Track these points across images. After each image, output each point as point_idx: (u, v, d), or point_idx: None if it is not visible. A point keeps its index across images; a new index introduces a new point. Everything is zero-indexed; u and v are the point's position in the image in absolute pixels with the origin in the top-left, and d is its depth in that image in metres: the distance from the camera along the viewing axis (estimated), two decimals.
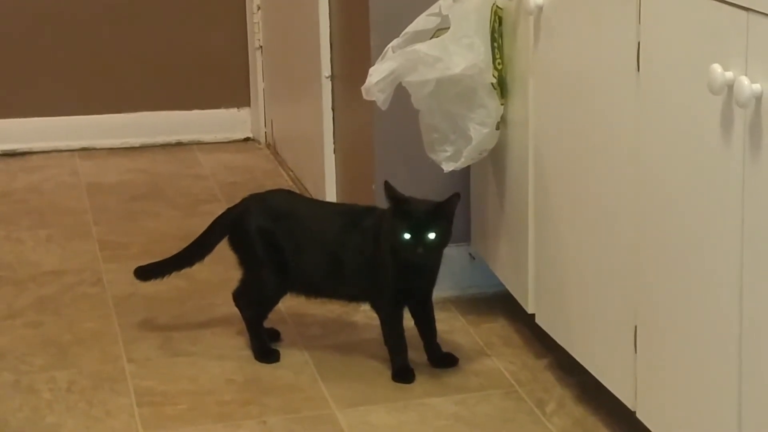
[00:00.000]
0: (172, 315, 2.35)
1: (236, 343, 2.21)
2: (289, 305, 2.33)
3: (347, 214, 2.13)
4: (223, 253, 2.67)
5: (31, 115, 3.37)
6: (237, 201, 2.25)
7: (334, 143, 2.72)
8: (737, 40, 1.42)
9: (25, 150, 3.36)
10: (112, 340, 2.24)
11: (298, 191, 2.94)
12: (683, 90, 1.55)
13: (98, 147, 3.41)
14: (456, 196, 2.02)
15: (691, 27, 1.53)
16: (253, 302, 2.15)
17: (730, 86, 1.42)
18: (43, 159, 3.31)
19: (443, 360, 2.10)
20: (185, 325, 2.30)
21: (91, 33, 3.39)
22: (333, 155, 2.72)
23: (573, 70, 1.89)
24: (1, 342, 2.23)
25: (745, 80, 1.38)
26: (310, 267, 2.10)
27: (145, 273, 2.22)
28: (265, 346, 2.14)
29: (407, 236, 1.97)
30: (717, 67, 1.42)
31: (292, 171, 3.16)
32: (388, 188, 2.03)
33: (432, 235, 1.97)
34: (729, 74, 1.42)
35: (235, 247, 2.17)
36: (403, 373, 2.05)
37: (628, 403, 1.78)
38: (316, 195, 2.82)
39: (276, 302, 2.16)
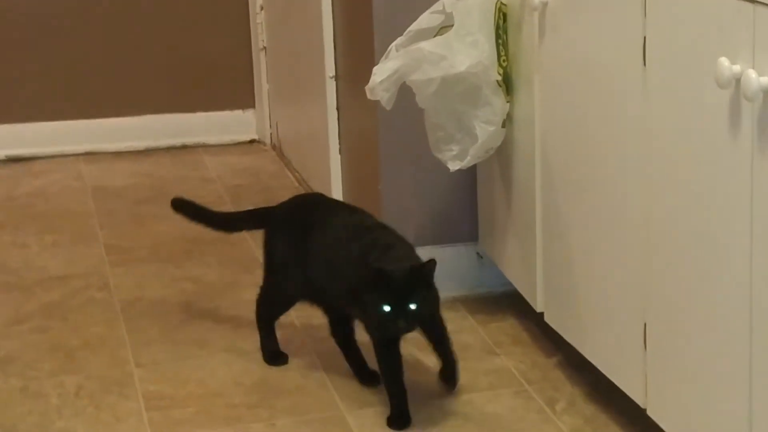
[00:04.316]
0: (180, 318, 2.34)
1: (244, 346, 2.20)
2: (298, 307, 2.32)
3: (355, 232, 1.96)
4: (230, 255, 2.67)
5: (35, 120, 3.37)
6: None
7: (339, 143, 2.71)
8: (744, 33, 1.40)
9: (30, 155, 3.36)
10: (120, 344, 2.23)
11: (302, 192, 2.93)
12: (690, 84, 1.54)
13: (103, 151, 3.41)
14: (431, 263, 1.83)
15: (698, 20, 1.52)
16: (268, 302, 2.12)
17: (737, 80, 1.40)
18: (48, 164, 3.31)
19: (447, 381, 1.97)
20: (193, 329, 2.29)
21: (94, 37, 3.39)
22: (338, 156, 2.71)
23: (579, 66, 1.87)
24: (8, 347, 2.22)
25: (752, 73, 1.37)
26: (319, 279, 2.01)
27: (182, 206, 2.21)
28: (274, 349, 2.13)
29: (387, 308, 1.79)
30: (724, 61, 1.41)
31: (298, 172, 3.15)
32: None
33: (413, 306, 1.79)
34: (736, 68, 1.40)
35: (264, 244, 2.12)
36: (397, 420, 1.88)
37: (639, 401, 1.77)
38: None
39: (289, 307, 2.13)
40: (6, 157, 3.36)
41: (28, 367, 2.14)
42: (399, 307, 1.79)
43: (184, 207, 2.21)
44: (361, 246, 1.91)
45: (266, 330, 2.13)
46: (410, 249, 1.95)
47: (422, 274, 1.83)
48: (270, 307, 2.13)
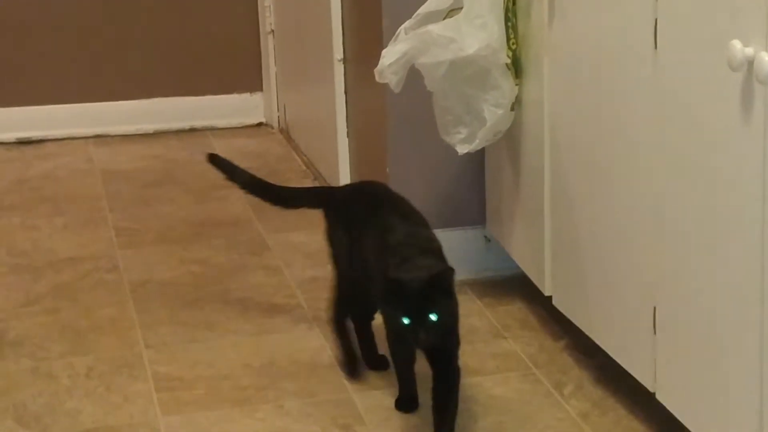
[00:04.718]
0: (188, 300, 2.34)
1: (252, 328, 2.21)
2: (307, 288, 2.33)
3: (391, 235, 1.86)
4: (237, 238, 2.67)
5: (45, 103, 3.38)
6: None
7: (347, 127, 2.71)
8: (757, 15, 1.40)
9: (40, 137, 3.37)
10: (129, 325, 2.24)
11: (313, 178, 2.93)
12: (702, 67, 1.54)
13: (112, 134, 3.41)
14: (450, 270, 1.75)
15: (710, 2, 1.51)
16: (334, 296, 2.02)
17: (750, 62, 1.40)
18: (58, 146, 3.32)
19: None
20: (201, 311, 2.30)
21: (103, 21, 3.39)
22: (346, 139, 2.71)
23: (589, 49, 1.87)
24: (19, 329, 2.23)
25: (765, 56, 1.37)
26: (362, 273, 1.93)
27: (238, 176, 2.08)
28: (346, 353, 1.99)
29: (405, 320, 1.70)
30: (736, 43, 1.41)
31: (305, 155, 3.15)
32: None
33: (434, 317, 1.70)
34: (749, 50, 1.40)
35: (325, 232, 2.03)
36: (405, 403, 1.88)
37: (648, 385, 1.77)
38: (329, 179, 2.81)
39: (348, 302, 2.00)
40: (16, 139, 3.36)
41: (39, 348, 2.15)
42: (418, 318, 1.70)
43: (239, 176, 2.10)
44: (387, 252, 1.82)
45: (336, 330, 2.01)
46: (438, 258, 1.83)
47: (440, 283, 1.72)
48: (337, 303, 2.01)
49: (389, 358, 1.95)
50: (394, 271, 1.76)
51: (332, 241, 2.01)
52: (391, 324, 1.77)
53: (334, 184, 2.74)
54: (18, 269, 2.52)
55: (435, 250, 1.86)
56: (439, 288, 1.72)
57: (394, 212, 1.93)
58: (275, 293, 2.36)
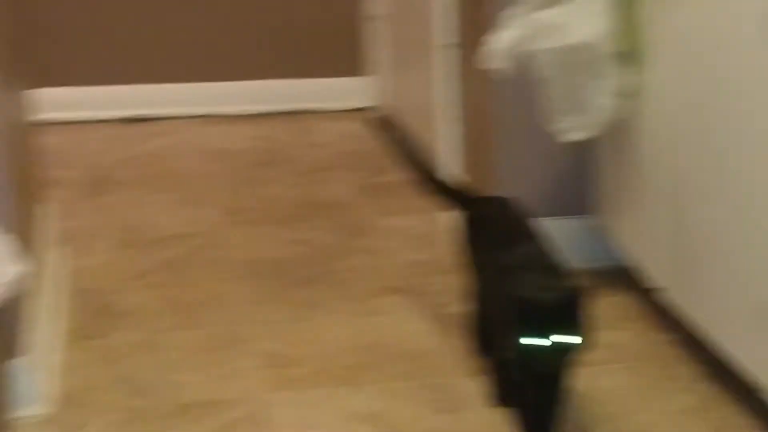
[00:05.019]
0: (294, 279, 2.38)
1: (357, 309, 2.23)
2: (412, 272, 2.34)
3: (514, 255, 1.78)
4: (341, 219, 2.70)
5: (157, 82, 3.45)
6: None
7: (451, 112, 2.70)
8: None
9: (151, 116, 3.45)
10: (238, 302, 2.28)
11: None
12: None
13: (221, 114, 3.47)
14: (583, 290, 1.63)
15: None
16: (472, 310, 1.95)
17: None
18: (168, 125, 3.39)
19: None
20: (307, 290, 2.32)
21: (214, 2, 3.45)
22: (449, 125, 2.71)
23: (704, 37, 1.83)
24: (130, 302, 2.29)
25: None
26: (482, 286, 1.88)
27: (400, 140, 2.07)
28: (497, 389, 1.85)
29: (532, 342, 1.61)
30: None
31: (409, 140, 3.16)
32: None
33: (567, 339, 1.61)
34: None
35: (463, 241, 1.98)
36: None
37: (760, 382, 1.73)
38: (432, 164, 2.81)
39: (477, 320, 1.94)
40: (128, 117, 3.45)
41: (148, 322, 2.20)
42: (548, 339, 1.61)
43: (401, 141, 2.08)
44: (517, 272, 1.72)
45: (468, 331, 1.96)
46: (567, 279, 1.73)
47: (573, 304, 1.62)
48: (474, 318, 1.94)
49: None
50: (527, 290, 1.66)
51: (468, 256, 1.94)
52: (514, 344, 1.64)
53: (439, 171, 2.74)
54: (129, 244, 2.58)
55: (563, 272, 1.77)
56: (574, 309, 1.63)
57: (522, 231, 1.86)
58: (380, 275, 2.38)
